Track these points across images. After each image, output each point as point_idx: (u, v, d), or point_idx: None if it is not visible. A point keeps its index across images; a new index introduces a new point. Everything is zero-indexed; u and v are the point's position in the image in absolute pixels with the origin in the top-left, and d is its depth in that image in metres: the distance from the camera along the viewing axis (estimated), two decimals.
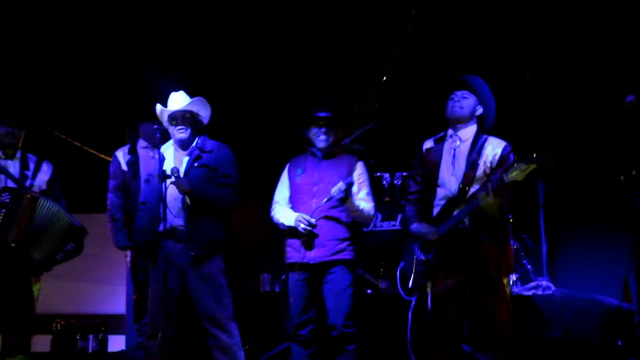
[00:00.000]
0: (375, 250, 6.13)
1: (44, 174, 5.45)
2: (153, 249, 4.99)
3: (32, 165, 5.43)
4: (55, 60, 6.57)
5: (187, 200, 4.88)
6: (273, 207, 5.27)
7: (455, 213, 4.54)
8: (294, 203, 5.19)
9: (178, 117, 5.05)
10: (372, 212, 5.16)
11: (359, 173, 5.15)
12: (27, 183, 5.32)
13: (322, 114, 5.15)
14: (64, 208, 5.36)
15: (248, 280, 6.23)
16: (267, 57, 6.68)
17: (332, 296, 5.02)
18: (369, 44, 6.56)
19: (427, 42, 6.39)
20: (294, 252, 5.10)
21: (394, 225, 6.24)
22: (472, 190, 4.56)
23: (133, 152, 5.81)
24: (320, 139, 5.15)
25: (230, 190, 5.05)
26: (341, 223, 5.07)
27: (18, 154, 5.42)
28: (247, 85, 6.74)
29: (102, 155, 7.02)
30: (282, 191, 5.28)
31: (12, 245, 5.08)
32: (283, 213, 5.17)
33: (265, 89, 6.73)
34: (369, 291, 6.09)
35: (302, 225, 4.99)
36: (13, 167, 5.37)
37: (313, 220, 4.99)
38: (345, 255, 5.03)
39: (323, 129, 5.14)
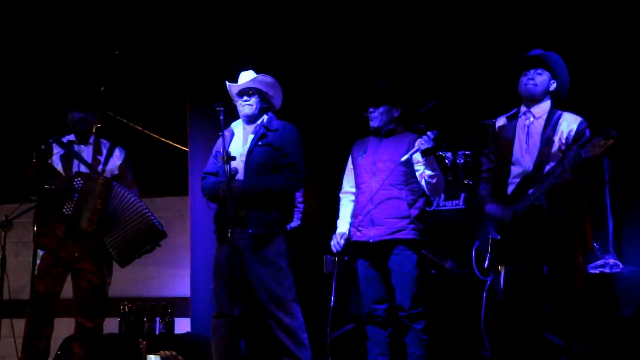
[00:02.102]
0: (438, 229, 6.09)
1: (116, 159, 5.50)
2: (219, 228, 5.07)
3: (104, 151, 5.48)
4: (129, 49, 6.70)
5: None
6: (340, 197, 5.46)
7: (530, 191, 4.52)
8: (358, 183, 5.30)
9: (245, 93, 5.15)
10: (443, 181, 5.19)
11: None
12: (99, 168, 5.36)
13: (372, 94, 5.25)
14: (136, 195, 5.39)
15: (312, 262, 6.19)
16: (337, 41, 6.69)
17: (398, 278, 5.09)
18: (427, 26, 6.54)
19: (490, 18, 6.33)
20: (355, 231, 5.22)
21: (457, 205, 6.21)
22: (548, 167, 4.55)
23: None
24: (373, 118, 5.24)
25: (289, 173, 5.05)
26: (402, 201, 5.11)
27: (91, 140, 5.47)
28: (320, 69, 6.75)
29: (162, 139, 7.21)
30: (348, 177, 5.42)
31: (85, 230, 5.14)
32: (341, 214, 5.39)
33: (336, 72, 6.74)
34: (433, 271, 6.09)
35: (332, 242, 5.30)
36: (86, 152, 5.43)
37: (342, 242, 5.25)
38: (406, 235, 5.08)
39: (372, 109, 5.22)
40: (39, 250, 5.15)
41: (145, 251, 5.37)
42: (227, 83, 5.20)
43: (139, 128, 7.15)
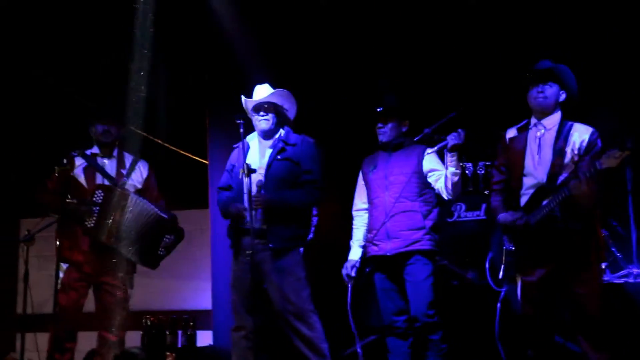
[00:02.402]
0: (460, 240, 6.10)
1: (140, 173, 5.51)
2: (235, 241, 5.06)
3: (128, 164, 5.49)
4: (150, 63, 6.52)
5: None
6: (353, 215, 5.50)
7: (544, 202, 4.52)
8: (371, 198, 5.34)
9: (261, 108, 5.14)
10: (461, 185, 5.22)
11: (434, 160, 5.21)
12: (122, 181, 5.35)
13: (378, 109, 5.31)
14: (162, 207, 5.41)
15: (331, 273, 6.08)
16: (356, 55, 6.72)
17: (412, 287, 5.11)
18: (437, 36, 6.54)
19: (504, 30, 6.33)
20: (371, 246, 5.26)
21: (478, 215, 6.20)
22: (561, 178, 4.54)
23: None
24: (382, 133, 5.31)
25: (311, 188, 5.06)
26: (416, 213, 5.15)
27: (115, 153, 5.49)
28: (333, 81, 6.76)
29: (182, 151, 7.21)
30: (360, 194, 5.46)
31: (105, 243, 5.13)
32: (354, 237, 5.42)
33: (345, 85, 6.76)
34: (454, 282, 6.08)
35: (344, 272, 5.35)
36: (110, 165, 5.44)
37: (352, 273, 5.31)
38: (422, 246, 5.11)
39: (380, 124, 5.30)
40: (61, 264, 5.15)
41: (168, 246, 5.34)
42: (243, 98, 5.21)
43: (159, 141, 7.14)
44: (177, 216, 5.47)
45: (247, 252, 4.85)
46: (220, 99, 6.74)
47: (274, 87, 5.23)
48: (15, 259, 7.85)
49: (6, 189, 7.73)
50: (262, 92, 5.20)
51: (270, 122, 5.13)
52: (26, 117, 7.40)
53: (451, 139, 4.98)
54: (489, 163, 6.24)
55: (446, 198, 5.19)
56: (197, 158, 7.33)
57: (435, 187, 5.19)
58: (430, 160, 5.22)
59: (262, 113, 5.14)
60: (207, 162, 6.95)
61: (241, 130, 4.90)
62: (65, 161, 5.23)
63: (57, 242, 5.05)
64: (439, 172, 5.15)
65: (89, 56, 6.86)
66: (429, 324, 5.05)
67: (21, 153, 7.56)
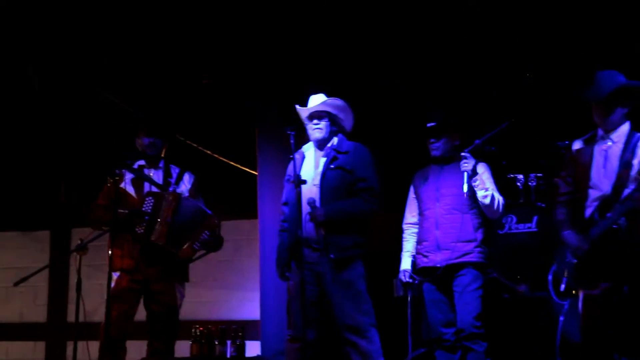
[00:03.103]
0: (510, 253, 6.05)
1: (186, 184, 5.52)
2: (293, 253, 5.01)
3: (174, 175, 5.51)
4: (194, 73, 6.76)
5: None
6: (403, 228, 5.55)
7: (609, 214, 4.44)
8: (422, 209, 5.39)
9: (314, 116, 5.15)
10: (501, 202, 5.20)
11: (480, 172, 5.23)
12: (170, 189, 5.38)
13: (429, 125, 5.36)
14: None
15: (380, 285, 6.16)
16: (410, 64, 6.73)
17: (460, 298, 5.15)
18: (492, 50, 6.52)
19: (558, 43, 6.27)
20: (421, 257, 5.31)
21: (530, 228, 6.12)
22: (627, 191, 4.46)
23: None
24: (435, 148, 5.36)
25: (367, 197, 5.01)
26: (467, 225, 5.20)
27: (161, 164, 5.53)
28: (384, 93, 6.79)
29: (230, 162, 7.24)
30: (411, 208, 5.52)
31: (155, 242, 5.15)
32: (404, 249, 5.46)
33: (403, 100, 6.80)
34: (505, 295, 6.04)
35: (403, 280, 5.43)
36: (156, 176, 5.48)
37: (410, 281, 5.37)
38: (473, 258, 5.16)
39: (433, 139, 5.35)
40: (112, 273, 5.12)
41: (208, 242, 5.27)
42: (297, 107, 5.21)
43: (208, 152, 7.18)
44: (220, 222, 5.45)
45: (308, 262, 4.85)
46: (270, 109, 6.73)
47: (329, 97, 5.21)
48: (67, 267, 8.01)
49: (58, 200, 7.88)
50: (317, 101, 5.20)
51: (324, 131, 5.13)
52: (75, 128, 7.47)
53: (464, 167, 5.08)
54: (540, 175, 6.22)
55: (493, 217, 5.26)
56: (246, 169, 7.36)
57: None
58: (479, 173, 5.20)
59: (315, 122, 5.15)
60: (256, 173, 6.95)
61: (291, 141, 4.89)
62: (117, 172, 5.22)
63: (109, 252, 5.05)
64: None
65: (137, 68, 6.90)
66: (474, 335, 5.06)
67: (71, 164, 7.66)
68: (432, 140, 5.37)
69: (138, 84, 6.99)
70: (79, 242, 5.27)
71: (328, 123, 5.15)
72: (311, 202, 4.90)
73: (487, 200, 5.12)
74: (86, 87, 6.96)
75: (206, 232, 5.32)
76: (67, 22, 6.38)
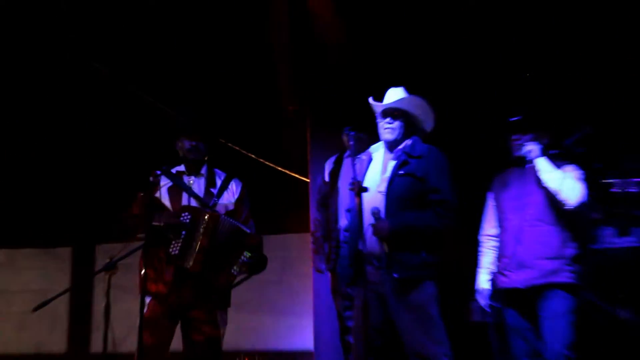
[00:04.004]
0: (608, 270, 5.95)
1: (232, 193, 5.41)
2: (354, 272, 4.74)
3: (218, 183, 5.39)
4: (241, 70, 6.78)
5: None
6: (480, 241, 5.48)
7: None
8: (501, 221, 5.30)
9: (389, 114, 4.97)
10: (577, 192, 5.03)
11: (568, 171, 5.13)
12: (211, 202, 5.24)
13: (512, 119, 5.27)
14: (250, 227, 5.31)
15: (457, 308, 6.19)
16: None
17: (548, 325, 4.96)
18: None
19: None
20: (500, 276, 5.13)
21: (631, 242, 6.00)
22: None
23: (338, 161, 5.60)
24: (517, 147, 5.23)
25: (442, 211, 4.81)
26: (553, 239, 5.02)
27: (203, 170, 5.40)
28: (459, 88, 6.72)
29: (279, 168, 7.20)
30: (489, 217, 5.43)
31: (191, 271, 5.03)
32: (481, 263, 5.41)
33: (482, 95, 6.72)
34: (601, 321, 5.91)
35: (482, 303, 5.37)
36: (197, 184, 5.35)
37: (493, 304, 5.30)
38: (561, 278, 4.97)
39: (517, 136, 5.21)
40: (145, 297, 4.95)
41: (248, 265, 5.20)
42: (371, 100, 5.03)
43: (252, 155, 7.12)
44: (262, 239, 5.34)
45: (370, 282, 4.69)
46: (324, 107, 6.70)
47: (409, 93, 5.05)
48: (91, 290, 7.86)
49: (80, 211, 7.79)
50: (394, 96, 5.03)
51: (396, 132, 4.97)
52: (106, 131, 7.46)
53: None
54: None
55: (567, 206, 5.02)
56: (296, 175, 7.29)
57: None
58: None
59: (388, 120, 4.99)
60: (307, 180, 6.81)
61: (351, 142, 4.75)
62: (151, 179, 5.20)
63: (142, 272, 4.95)
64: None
65: (177, 65, 6.93)
66: None
67: (100, 171, 7.63)
68: (515, 137, 5.21)
69: (177, 83, 6.96)
70: (108, 260, 5.13)
71: (402, 123, 4.97)
72: (375, 213, 4.72)
73: (553, 184, 5.01)
74: (117, 84, 6.95)
75: (245, 253, 5.20)
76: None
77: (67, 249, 8.27)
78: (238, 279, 5.26)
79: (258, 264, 5.28)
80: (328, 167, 5.71)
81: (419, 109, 5.02)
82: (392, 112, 4.96)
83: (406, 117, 4.98)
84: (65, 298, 7.77)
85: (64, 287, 5.86)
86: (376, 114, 5.07)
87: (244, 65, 6.80)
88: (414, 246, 4.76)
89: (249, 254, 5.19)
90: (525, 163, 5.23)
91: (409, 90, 5.07)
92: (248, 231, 5.23)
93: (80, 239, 8.10)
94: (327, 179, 5.67)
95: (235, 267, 5.17)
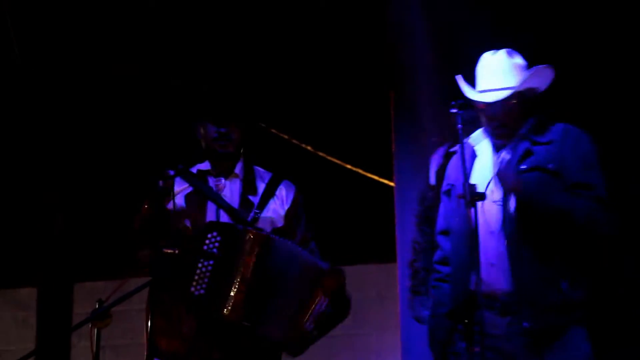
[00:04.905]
0: None
1: (281, 202, 4.74)
2: (461, 319, 4.20)
3: (261, 188, 4.72)
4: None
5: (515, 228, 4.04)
6: None
7: None
8: None
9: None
10: None
11: None
12: (251, 216, 4.53)
13: None
14: (316, 256, 4.63)
15: None
16: None
17: None
18: None
19: None
20: None
21: None
22: None
23: (447, 156, 4.99)
24: None
25: (598, 208, 4.08)
26: None
27: (238, 169, 4.72)
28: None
29: (348, 165, 6.70)
30: None
31: (228, 320, 4.32)
32: None
33: None
34: None
35: None
36: (230, 189, 4.68)
37: None
38: None
39: None
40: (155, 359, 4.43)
41: (327, 315, 4.58)
42: (462, 85, 4.33)
43: (310, 148, 6.54)
44: (344, 272, 4.63)
45: (490, 335, 4.03)
46: (409, 87, 6.00)
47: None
48: (66, 352, 6.97)
49: (51, 235, 6.99)
50: (498, 66, 4.30)
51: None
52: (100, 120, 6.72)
53: None
54: None
55: None
56: (375, 177, 6.64)
57: None
58: None
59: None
60: (392, 184, 6.10)
61: (459, 126, 4.07)
62: (161, 183, 4.59)
63: (148, 323, 4.41)
64: None
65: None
66: None
67: (80, 171, 6.89)
68: None
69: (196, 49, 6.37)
70: (96, 305, 4.54)
71: (518, 105, 4.30)
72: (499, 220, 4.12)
73: None
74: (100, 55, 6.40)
75: (323, 298, 4.48)
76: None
77: (30, 290, 7.20)
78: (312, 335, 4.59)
79: (339, 313, 4.67)
80: (435, 163, 5.43)
81: (541, 78, 4.37)
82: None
83: (521, 95, 4.31)
84: None
85: (27, 347, 5.12)
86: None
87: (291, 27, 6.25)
88: (550, 275, 4.13)
89: (328, 301, 4.54)
90: None
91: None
92: (325, 266, 4.62)
93: (51, 274, 7.08)
94: (433, 181, 5.38)
95: (309, 322, 4.52)
